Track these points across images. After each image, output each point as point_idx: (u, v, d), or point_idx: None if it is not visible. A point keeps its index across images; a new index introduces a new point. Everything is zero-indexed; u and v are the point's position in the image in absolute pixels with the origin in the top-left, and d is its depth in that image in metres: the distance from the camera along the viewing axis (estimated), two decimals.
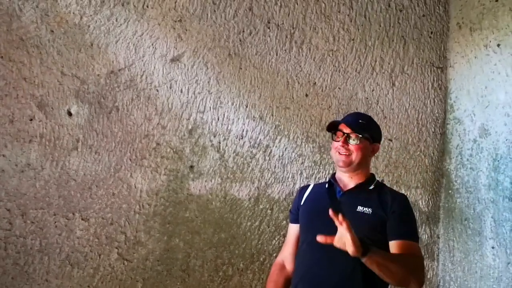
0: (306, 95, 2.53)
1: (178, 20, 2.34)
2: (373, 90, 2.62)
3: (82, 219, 2.13)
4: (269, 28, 2.49)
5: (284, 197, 2.45)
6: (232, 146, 2.39)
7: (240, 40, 2.44)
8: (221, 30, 2.41)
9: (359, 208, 1.63)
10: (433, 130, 2.70)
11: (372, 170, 2.54)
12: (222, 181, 2.36)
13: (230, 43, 2.42)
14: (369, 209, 1.61)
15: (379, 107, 2.62)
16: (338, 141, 1.67)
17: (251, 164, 2.41)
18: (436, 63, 2.74)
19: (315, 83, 2.54)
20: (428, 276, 2.60)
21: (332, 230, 1.50)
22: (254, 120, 2.43)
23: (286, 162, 2.46)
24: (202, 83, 2.37)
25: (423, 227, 2.62)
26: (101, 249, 2.14)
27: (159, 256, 2.23)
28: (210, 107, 2.37)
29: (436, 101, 2.72)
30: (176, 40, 2.34)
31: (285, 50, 2.51)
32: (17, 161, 2.06)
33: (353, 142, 1.65)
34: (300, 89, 2.52)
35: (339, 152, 1.67)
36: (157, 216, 2.24)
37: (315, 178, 2.49)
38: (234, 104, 2.41)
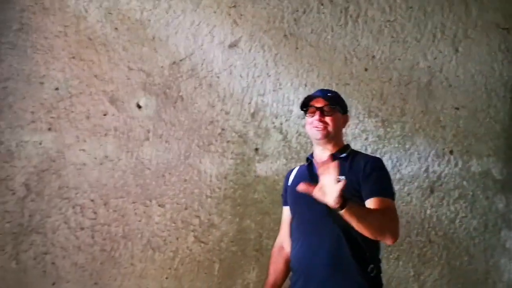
0: (365, 69, 2.48)
1: (233, 6, 2.37)
2: (435, 58, 2.53)
3: (159, 206, 2.24)
4: (322, 4, 2.46)
5: None
6: (294, 126, 2.41)
7: (295, 20, 2.43)
8: (275, 12, 2.41)
9: None
10: (502, 94, 2.56)
11: (440, 141, 2.49)
12: (287, 161, 2.38)
13: (285, 23, 2.42)
14: (343, 177, 1.55)
15: (443, 75, 2.53)
16: (313, 116, 1.71)
17: None
18: (502, 24, 2.59)
19: (373, 56, 2.49)
20: (507, 246, 2.50)
21: (314, 209, 1.54)
22: None
23: (350, 139, 2.44)
24: (261, 66, 2.39)
25: (498, 195, 2.51)
26: (178, 233, 2.24)
27: (232, 237, 2.30)
28: (270, 90, 2.40)
29: (504, 63, 2.58)
30: (232, 26, 2.37)
31: (340, 25, 2.47)
32: (96, 154, 2.19)
33: (327, 115, 1.69)
34: (358, 63, 2.48)
35: (315, 126, 1.70)
36: (227, 199, 2.31)
37: (380, 153, 2.46)
38: (293, 84, 2.42)
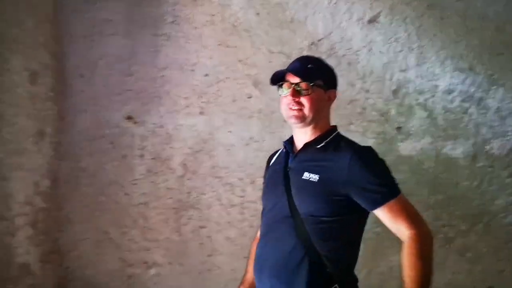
0: None
1: None
2: None
3: None
4: None
5: (506, 152, 2.22)
6: (441, 102, 2.27)
7: None
8: None
9: (305, 175, 1.35)
10: None
11: None
12: (433, 140, 2.26)
13: None
14: (316, 176, 1.33)
15: None
16: (287, 94, 1.39)
17: (464, 120, 2.25)
18: None
19: None
20: None
21: (279, 208, 1.37)
22: (463, 72, 2.26)
23: (505, 114, 2.23)
24: (402, 40, 2.29)
25: None
26: None
27: (376, 218, 2.25)
28: (413, 65, 2.28)
29: None
30: (370, 1, 2.30)
31: None
32: (242, 135, 2.31)
33: (304, 93, 1.37)
34: None
35: (289, 107, 1.39)
36: None
37: None
38: (439, 57, 2.27)
